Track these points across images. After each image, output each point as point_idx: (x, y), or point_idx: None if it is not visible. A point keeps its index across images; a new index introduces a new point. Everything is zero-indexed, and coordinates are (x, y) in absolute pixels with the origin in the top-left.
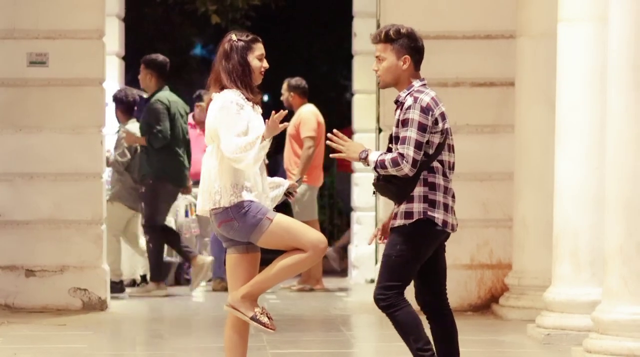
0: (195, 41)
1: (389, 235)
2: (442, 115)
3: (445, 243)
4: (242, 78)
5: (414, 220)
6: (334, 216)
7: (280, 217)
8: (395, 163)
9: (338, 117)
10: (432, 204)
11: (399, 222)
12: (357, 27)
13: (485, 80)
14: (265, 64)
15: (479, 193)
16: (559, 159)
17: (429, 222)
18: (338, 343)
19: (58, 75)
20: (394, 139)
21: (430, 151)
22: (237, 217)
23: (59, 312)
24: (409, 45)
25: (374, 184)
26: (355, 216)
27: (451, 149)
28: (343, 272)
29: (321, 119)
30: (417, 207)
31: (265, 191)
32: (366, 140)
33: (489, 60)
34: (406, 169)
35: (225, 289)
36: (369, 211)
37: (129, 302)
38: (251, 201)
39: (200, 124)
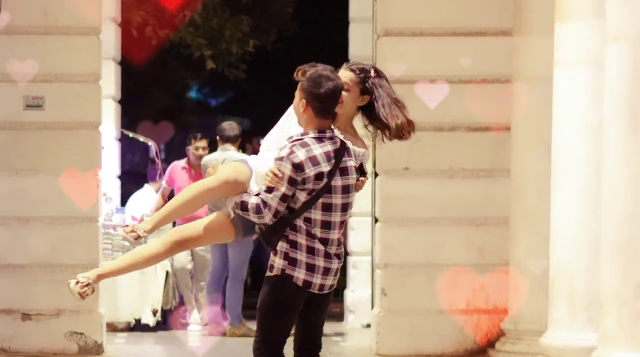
0: (191, 84)
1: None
2: (319, 175)
3: (323, 302)
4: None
5: (273, 274)
6: None
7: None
8: (257, 210)
9: None
10: (293, 262)
11: (268, 272)
12: None
13: (481, 124)
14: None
15: (475, 237)
16: (555, 201)
17: (288, 279)
18: None
19: (54, 118)
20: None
21: (296, 206)
22: None
23: (55, 356)
24: (307, 90)
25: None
26: (351, 260)
27: (329, 207)
28: (339, 316)
29: None
30: (278, 262)
31: None
32: None
33: (485, 105)
34: (267, 218)
35: (222, 334)
36: (365, 255)
37: (124, 347)
38: None
39: (195, 167)
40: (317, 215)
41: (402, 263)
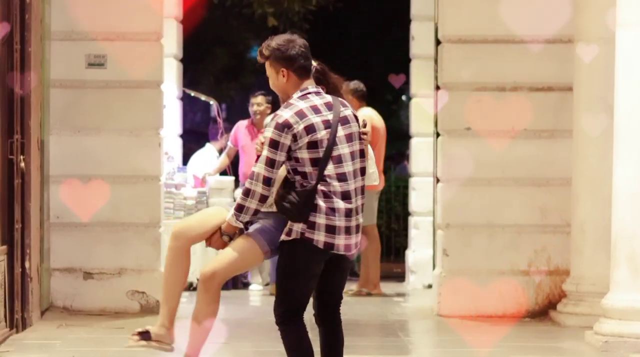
0: (252, 44)
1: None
2: (310, 128)
3: (345, 264)
4: None
5: (291, 238)
6: (391, 220)
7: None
8: (245, 193)
9: (393, 120)
10: (312, 226)
11: (283, 236)
12: (415, 30)
13: (543, 84)
14: None
15: (536, 198)
16: (617, 164)
17: (307, 243)
18: (395, 349)
19: (116, 77)
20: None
21: (306, 169)
22: None
23: (116, 315)
24: (284, 57)
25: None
26: (412, 220)
27: (339, 159)
28: (401, 277)
29: (377, 123)
30: (297, 226)
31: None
32: (424, 144)
33: (547, 65)
34: (258, 188)
35: None
36: (426, 215)
37: (185, 306)
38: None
39: (257, 125)
40: (330, 170)
41: (463, 223)
